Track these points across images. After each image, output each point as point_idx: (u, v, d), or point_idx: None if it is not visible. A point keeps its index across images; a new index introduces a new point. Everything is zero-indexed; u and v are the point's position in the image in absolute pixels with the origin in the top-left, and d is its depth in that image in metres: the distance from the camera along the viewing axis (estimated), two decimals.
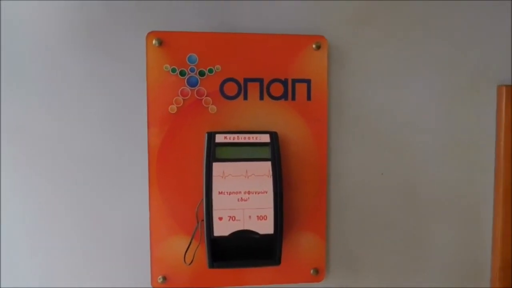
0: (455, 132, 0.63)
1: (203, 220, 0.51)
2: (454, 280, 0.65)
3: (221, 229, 0.50)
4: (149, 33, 0.54)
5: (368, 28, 0.60)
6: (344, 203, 0.61)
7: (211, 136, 0.52)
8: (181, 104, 0.55)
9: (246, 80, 0.56)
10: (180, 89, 0.55)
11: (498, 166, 0.63)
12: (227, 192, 0.51)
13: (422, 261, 0.64)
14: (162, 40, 0.54)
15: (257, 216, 0.51)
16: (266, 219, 0.51)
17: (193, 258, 0.55)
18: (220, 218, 0.50)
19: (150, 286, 0.56)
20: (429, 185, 0.63)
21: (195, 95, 0.55)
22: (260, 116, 0.56)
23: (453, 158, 0.63)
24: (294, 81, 0.56)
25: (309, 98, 0.57)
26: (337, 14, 0.59)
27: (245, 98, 0.56)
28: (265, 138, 0.53)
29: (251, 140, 0.53)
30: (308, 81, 0.57)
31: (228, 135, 0.53)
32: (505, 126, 0.62)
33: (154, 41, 0.54)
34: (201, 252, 0.54)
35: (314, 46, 0.56)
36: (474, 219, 0.64)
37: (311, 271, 0.59)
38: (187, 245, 0.55)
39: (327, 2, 0.59)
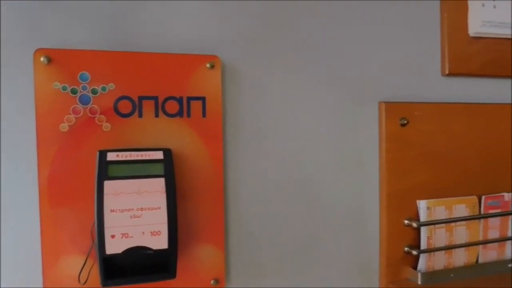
0: (344, 144, 0.69)
1: None
2: (348, 277, 0.70)
3: (114, 246, 0.51)
4: (37, 50, 0.53)
5: (261, 48, 0.64)
6: (243, 213, 0.64)
7: (102, 154, 0.53)
8: (73, 122, 0.54)
9: (141, 98, 0.57)
10: (72, 107, 0.54)
11: (381, 174, 0.70)
12: (119, 210, 0.51)
13: (319, 262, 0.68)
14: (51, 58, 0.53)
15: (151, 232, 0.52)
16: (160, 235, 0.52)
17: (87, 277, 0.54)
18: (113, 236, 0.51)
19: None
20: (322, 193, 0.68)
21: (88, 113, 0.55)
22: (156, 133, 0.57)
23: (343, 168, 0.69)
24: (189, 99, 0.58)
25: (204, 115, 0.59)
26: (231, 34, 0.62)
27: (140, 115, 0.57)
28: (158, 155, 0.54)
29: (144, 157, 0.54)
30: (203, 99, 0.59)
31: (120, 153, 0.53)
32: (386, 139, 0.69)
33: (42, 59, 0.53)
34: (97, 271, 0.54)
35: (208, 65, 0.59)
36: (363, 222, 0.71)
37: (212, 281, 0.61)
38: (82, 265, 0.54)
39: (222, 23, 0.62)
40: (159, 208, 0.53)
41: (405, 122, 0.70)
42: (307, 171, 0.67)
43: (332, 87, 0.68)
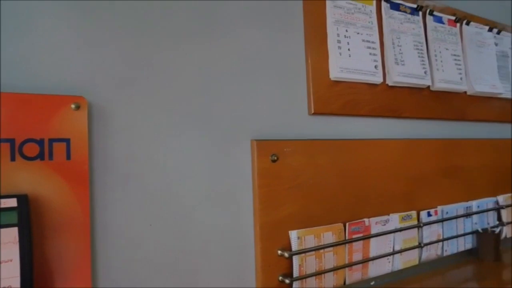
0: (218, 181, 0.72)
1: None
2: None
3: None
4: None
5: (131, 89, 0.64)
6: (114, 257, 0.62)
7: None
8: None
9: None
10: None
11: (255, 207, 0.74)
12: None
13: None
14: None
15: None
16: None
17: None
18: None
19: None
20: (199, 229, 0.69)
21: None
22: (12, 179, 0.53)
23: (218, 203, 0.72)
24: (52, 141, 0.56)
25: (68, 157, 0.57)
26: (99, 76, 0.62)
27: None
28: (11, 203, 0.51)
29: None
30: (67, 141, 0.57)
31: None
32: (258, 174, 0.74)
33: None
34: None
35: (73, 106, 0.57)
36: (239, 255, 0.73)
37: None
38: None
39: (89, 64, 0.61)
40: (11, 261, 0.49)
41: (276, 158, 0.75)
42: (183, 210, 0.68)
43: (205, 126, 0.71)
